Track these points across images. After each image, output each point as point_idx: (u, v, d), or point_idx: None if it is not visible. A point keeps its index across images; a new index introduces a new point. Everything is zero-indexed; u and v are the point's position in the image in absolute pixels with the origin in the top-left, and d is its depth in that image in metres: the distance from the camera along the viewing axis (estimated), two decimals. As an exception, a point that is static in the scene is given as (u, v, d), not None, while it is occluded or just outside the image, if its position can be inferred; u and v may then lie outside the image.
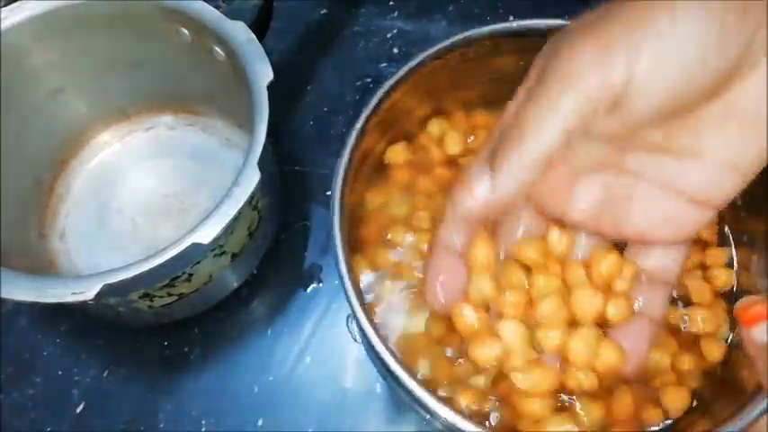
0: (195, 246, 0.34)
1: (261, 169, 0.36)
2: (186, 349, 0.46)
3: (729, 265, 0.39)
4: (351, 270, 0.33)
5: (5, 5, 0.41)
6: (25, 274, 0.35)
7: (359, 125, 0.37)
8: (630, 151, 0.29)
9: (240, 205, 0.35)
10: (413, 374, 0.31)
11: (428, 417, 0.32)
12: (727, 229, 0.40)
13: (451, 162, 0.42)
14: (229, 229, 0.36)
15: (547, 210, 0.31)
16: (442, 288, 0.31)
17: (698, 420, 0.34)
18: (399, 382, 0.31)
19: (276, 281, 0.48)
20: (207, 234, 0.34)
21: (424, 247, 0.39)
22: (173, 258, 0.34)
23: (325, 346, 0.46)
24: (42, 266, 0.45)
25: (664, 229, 0.30)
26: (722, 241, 0.40)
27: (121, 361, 0.46)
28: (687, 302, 0.38)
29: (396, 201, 0.41)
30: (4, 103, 0.42)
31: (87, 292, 0.33)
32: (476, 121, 0.43)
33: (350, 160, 0.36)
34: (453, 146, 0.42)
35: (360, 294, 0.33)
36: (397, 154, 0.41)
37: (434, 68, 0.39)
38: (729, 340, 0.37)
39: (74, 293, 0.33)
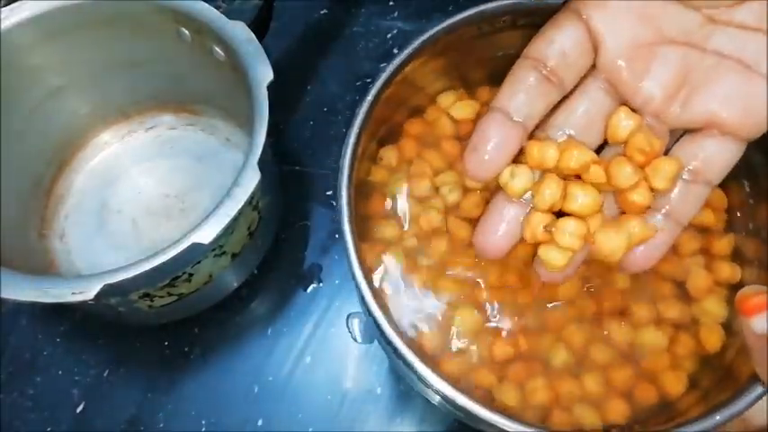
0: (195, 246, 0.34)
1: (261, 169, 0.35)
2: (186, 349, 0.46)
3: (734, 252, 0.39)
4: (362, 262, 0.33)
5: (5, 5, 0.41)
6: (25, 274, 0.34)
7: (369, 97, 0.36)
8: (720, 26, 0.28)
9: (240, 205, 0.35)
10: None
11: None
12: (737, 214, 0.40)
13: (460, 138, 0.42)
14: (229, 229, 0.35)
15: (620, 83, 0.30)
16: (488, 156, 0.30)
17: (694, 405, 0.34)
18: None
19: (276, 281, 0.48)
20: (207, 234, 0.34)
21: (427, 218, 0.39)
22: (173, 258, 0.34)
23: (325, 346, 0.46)
24: (42, 266, 0.45)
25: (738, 112, 0.29)
26: (729, 228, 0.39)
27: (122, 361, 0.46)
28: (687, 289, 0.38)
29: (398, 175, 0.41)
30: (4, 103, 0.42)
31: (87, 292, 0.33)
32: (484, 97, 0.43)
33: (358, 138, 0.35)
34: (461, 113, 0.41)
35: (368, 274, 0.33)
36: (389, 154, 0.41)
37: (447, 43, 0.38)
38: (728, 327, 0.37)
39: (74, 293, 0.33)
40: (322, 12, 0.58)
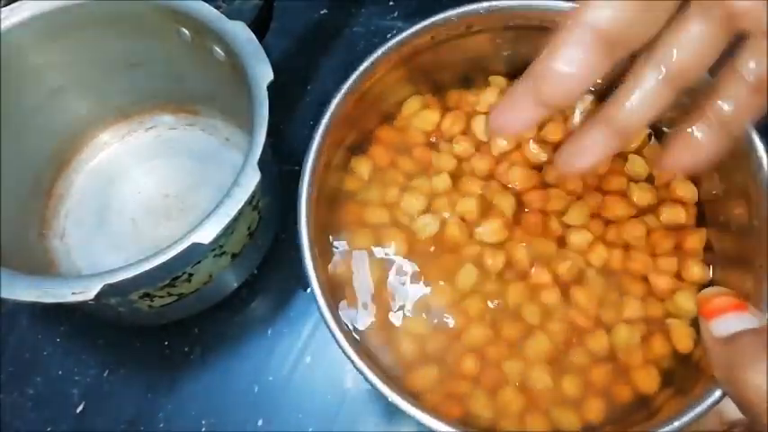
0: (195, 246, 0.34)
1: (261, 169, 0.36)
2: (186, 349, 0.46)
3: (705, 248, 0.39)
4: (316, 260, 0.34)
5: (5, 5, 0.41)
6: (25, 274, 0.34)
7: (335, 102, 0.37)
8: None
9: (240, 205, 0.35)
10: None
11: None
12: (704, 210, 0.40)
13: (431, 144, 0.42)
14: (229, 229, 0.36)
15: None
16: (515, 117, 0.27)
17: (668, 401, 0.34)
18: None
19: (276, 281, 0.48)
20: (207, 234, 0.34)
21: (403, 223, 0.39)
22: (173, 258, 0.34)
23: (325, 346, 0.46)
24: (42, 266, 0.45)
25: None
26: (699, 223, 0.39)
27: (122, 361, 0.46)
28: (657, 288, 0.38)
29: (373, 184, 0.41)
30: (4, 103, 0.42)
31: (87, 292, 0.33)
32: (450, 101, 0.43)
33: (322, 140, 0.36)
34: (424, 123, 0.42)
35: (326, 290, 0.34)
36: (361, 165, 0.41)
37: (410, 50, 0.39)
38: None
39: (74, 293, 0.33)
40: (322, 12, 0.58)
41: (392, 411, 0.44)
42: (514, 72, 0.42)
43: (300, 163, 0.51)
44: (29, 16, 0.41)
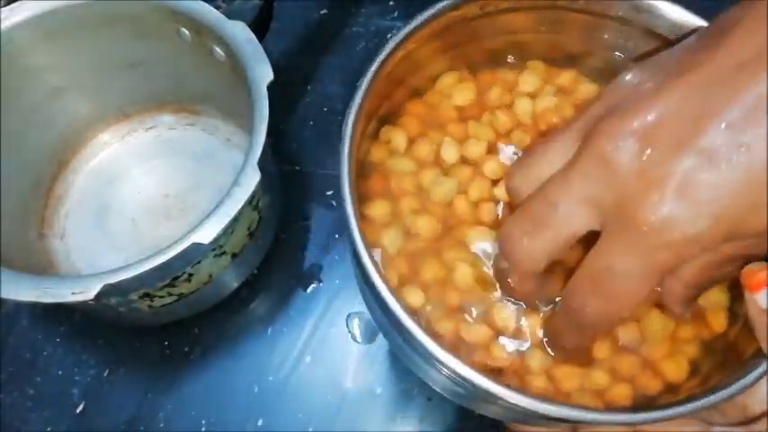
0: (195, 246, 0.34)
1: (261, 169, 0.35)
2: (186, 349, 0.46)
3: None
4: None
5: (5, 5, 0.41)
6: (25, 274, 0.34)
7: (370, 73, 0.35)
8: None
9: (240, 205, 0.35)
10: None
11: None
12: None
13: (463, 118, 0.41)
14: (229, 229, 0.35)
15: None
16: None
17: (696, 389, 0.34)
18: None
19: (276, 281, 0.48)
20: (207, 234, 0.34)
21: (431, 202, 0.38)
22: (173, 258, 0.34)
23: (325, 346, 0.46)
24: (42, 266, 0.45)
25: None
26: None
27: (122, 361, 0.46)
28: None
29: (401, 156, 0.40)
30: (4, 103, 0.42)
31: (87, 292, 0.33)
32: (483, 79, 0.42)
33: (359, 111, 0.35)
34: (462, 97, 0.41)
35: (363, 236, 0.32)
36: (397, 136, 0.40)
37: (449, 21, 0.38)
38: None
39: (74, 293, 0.33)
40: (322, 12, 0.58)
41: (392, 411, 0.44)
42: (552, 56, 0.41)
43: (301, 163, 0.51)
44: (29, 16, 0.41)
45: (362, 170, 0.39)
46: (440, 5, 0.36)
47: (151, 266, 0.34)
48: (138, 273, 0.34)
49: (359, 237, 0.31)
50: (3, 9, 0.41)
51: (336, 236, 0.49)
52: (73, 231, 0.48)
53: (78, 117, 0.49)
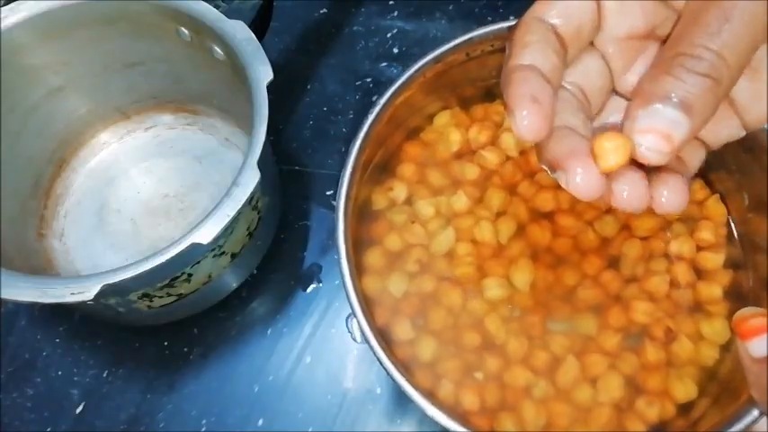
0: (195, 246, 0.34)
1: (261, 169, 0.35)
2: (186, 349, 0.46)
3: (736, 265, 0.39)
4: (353, 274, 0.33)
5: (5, 5, 0.41)
6: (25, 274, 0.34)
7: (365, 127, 0.37)
8: None
9: (240, 205, 0.35)
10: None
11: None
12: (734, 229, 0.40)
13: (460, 155, 0.42)
14: (229, 230, 0.35)
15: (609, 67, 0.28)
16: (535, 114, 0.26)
17: (702, 416, 0.34)
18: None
19: (276, 281, 0.48)
20: (207, 234, 0.34)
21: (433, 243, 0.39)
22: (172, 258, 0.34)
23: (326, 346, 0.46)
24: (41, 266, 0.45)
25: None
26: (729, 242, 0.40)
27: (121, 361, 0.46)
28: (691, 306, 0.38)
29: (401, 203, 0.41)
30: (4, 102, 0.42)
31: (87, 292, 0.33)
32: (476, 114, 0.43)
33: (356, 160, 0.36)
34: (456, 137, 0.42)
35: (360, 296, 0.33)
36: (398, 187, 0.42)
37: (439, 69, 0.39)
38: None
39: (73, 294, 0.33)
40: (322, 11, 0.58)
41: (392, 411, 0.44)
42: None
43: (301, 163, 0.51)
44: (28, 15, 0.41)
45: (363, 216, 0.41)
46: (425, 59, 0.38)
47: (150, 267, 0.34)
48: (137, 273, 0.34)
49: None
50: (3, 9, 0.41)
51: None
52: (72, 231, 0.48)
53: (77, 117, 0.49)
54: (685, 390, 0.36)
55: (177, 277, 0.38)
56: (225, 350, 0.46)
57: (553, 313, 0.38)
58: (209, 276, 0.41)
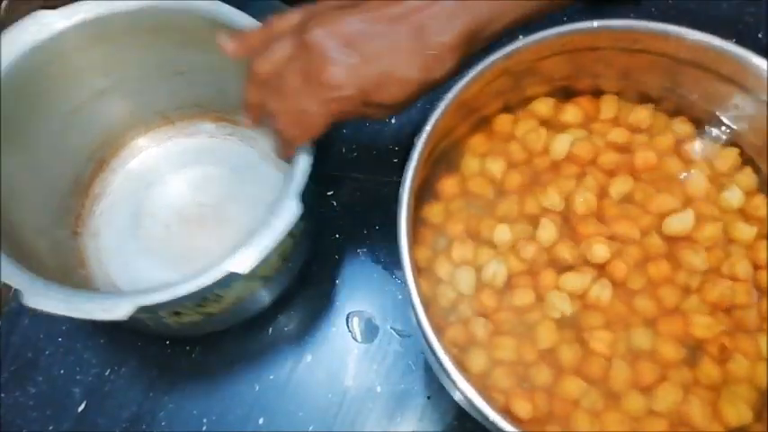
0: (232, 275, 0.34)
1: (302, 200, 0.36)
2: (187, 348, 0.46)
3: None
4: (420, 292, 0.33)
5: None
6: (57, 285, 0.34)
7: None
8: None
9: (279, 237, 0.35)
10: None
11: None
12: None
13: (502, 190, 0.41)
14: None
15: None
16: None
17: None
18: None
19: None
20: (245, 264, 0.34)
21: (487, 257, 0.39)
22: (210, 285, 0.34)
23: (326, 346, 0.46)
24: (72, 265, 0.45)
25: None
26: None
27: (123, 360, 0.46)
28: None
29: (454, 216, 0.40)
30: (49, 102, 0.42)
31: (117, 310, 0.33)
32: (542, 110, 0.42)
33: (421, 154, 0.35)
34: (496, 167, 0.41)
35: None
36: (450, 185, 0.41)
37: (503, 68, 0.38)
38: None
39: (104, 311, 0.33)
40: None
41: (392, 409, 0.44)
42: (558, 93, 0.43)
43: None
44: (83, 19, 0.41)
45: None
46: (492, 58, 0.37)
47: (186, 292, 0.34)
48: (172, 298, 0.34)
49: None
50: (58, 10, 0.41)
51: (336, 236, 0.49)
52: (106, 232, 0.48)
53: (120, 119, 0.49)
54: (737, 413, 0.35)
55: (207, 297, 0.38)
56: (226, 350, 0.46)
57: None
58: (239, 298, 0.41)
